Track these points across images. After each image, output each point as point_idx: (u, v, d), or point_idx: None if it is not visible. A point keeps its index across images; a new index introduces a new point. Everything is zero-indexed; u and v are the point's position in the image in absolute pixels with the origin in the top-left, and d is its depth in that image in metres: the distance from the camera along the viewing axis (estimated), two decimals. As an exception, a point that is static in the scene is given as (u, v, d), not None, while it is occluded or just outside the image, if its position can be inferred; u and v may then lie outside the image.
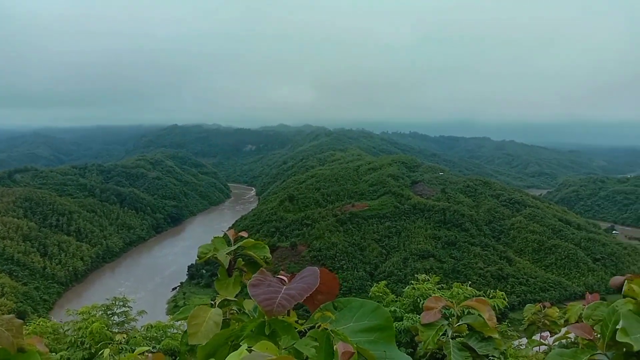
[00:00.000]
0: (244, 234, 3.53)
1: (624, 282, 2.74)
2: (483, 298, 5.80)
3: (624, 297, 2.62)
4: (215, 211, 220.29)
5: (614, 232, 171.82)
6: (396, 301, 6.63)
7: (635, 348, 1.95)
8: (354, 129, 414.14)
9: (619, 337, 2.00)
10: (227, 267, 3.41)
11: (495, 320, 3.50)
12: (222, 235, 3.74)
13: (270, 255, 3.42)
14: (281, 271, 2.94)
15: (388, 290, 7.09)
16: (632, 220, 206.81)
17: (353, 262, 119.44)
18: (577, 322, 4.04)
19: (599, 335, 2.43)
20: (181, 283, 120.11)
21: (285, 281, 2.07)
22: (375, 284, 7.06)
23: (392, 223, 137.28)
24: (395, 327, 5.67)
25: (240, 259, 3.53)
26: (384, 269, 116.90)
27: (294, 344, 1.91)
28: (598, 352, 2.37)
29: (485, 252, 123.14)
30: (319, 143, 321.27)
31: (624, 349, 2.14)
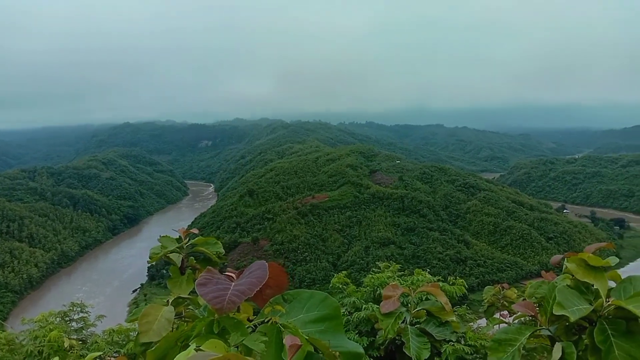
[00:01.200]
0: (195, 231, 3.43)
1: (563, 259, 2.79)
2: (436, 282, 5.90)
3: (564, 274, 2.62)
4: (172, 210, 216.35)
5: (564, 211, 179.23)
6: (357, 291, 6.64)
7: (572, 319, 2.06)
8: (312, 121, 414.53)
9: (555, 311, 2.12)
10: (179, 265, 3.31)
11: (450, 305, 3.54)
12: (176, 235, 3.64)
13: (223, 251, 3.34)
14: (228, 268, 2.86)
15: (348, 280, 7.08)
16: (581, 199, 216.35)
17: (316, 254, 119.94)
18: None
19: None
20: (141, 285, 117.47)
21: (234, 277, 2.04)
22: (335, 275, 7.04)
23: (352, 213, 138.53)
24: (356, 317, 5.68)
25: (193, 257, 3.43)
26: (346, 259, 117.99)
27: (243, 340, 1.90)
28: (541, 327, 2.49)
29: (444, 236, 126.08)
30: (276, 136, 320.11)
31: (566, 323, 2.25)
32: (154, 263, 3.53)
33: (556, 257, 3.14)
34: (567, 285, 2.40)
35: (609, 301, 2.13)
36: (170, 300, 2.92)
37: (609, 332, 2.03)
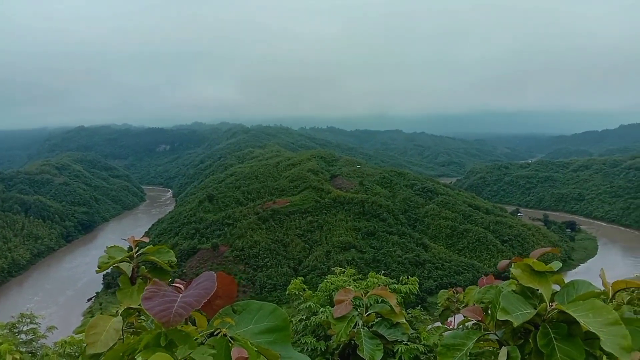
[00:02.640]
0: (146, 239, 3.38)
1: (510, 264, 2.93)
2: (385, 286, 6.01)
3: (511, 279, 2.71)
4: (129, 216, 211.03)
5: (518, 214, 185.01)
6: (313, 296, 6.69)
7: (515, 324, 2.11)
8: (272, 126, 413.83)
9: (499, 316, 2.18)
10: (129, 275, 3.25)
11: (400, 307, 3.63)
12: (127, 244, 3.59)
13: (175, 259, 3.31)
14: (177, 279, 2.84)
15: (305, 286, 7.13)
16: (535, 202, 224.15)
17: (277, 259, 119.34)
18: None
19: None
20: (97, 293, 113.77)
21: (181, 289, 2.03)
22: (292, 281, 7.07)
23: (313, 217, 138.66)
24: (313, 321, 5.73)
25: (144, 266, 3.38)
26: (307, 264, 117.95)
27: (191, 353, 1.87)
28: (489, 332, 2.57)
29: (403, 240, 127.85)
30: (236, 140, 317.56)
31: (512, 327, 2.30)
32: (108, 270, 3.45)
33: (503, 263, 3.28)
34: (513, 290, 2.46)
35: (552, 305, 2.19)
36: (120, 311, 2.88)
37: (552, 335, 2.09)
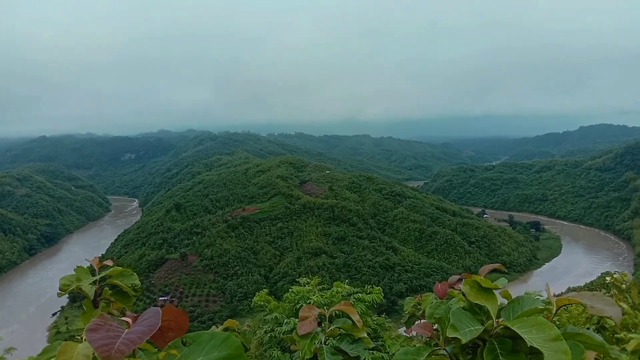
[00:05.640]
0: (109, 262, 3.39)
1: (460, 280, 3.08)
2: (350, 295, 6.12)
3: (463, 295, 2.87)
4: (94, 227, 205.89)
5: (484, 215, 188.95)
6: (278, 307, 6.75)
7: (463, 341, 2.15)
8: (240, 132, 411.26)
9: (449, 333, 2.22)
10: (92, 298, 3.27)
11: (362, 322, 3.73)
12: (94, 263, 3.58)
13: (139, 283, 3.32)
14: (127, 312, 2.86)
15: (270, 297, 7.18)
16: (500, 204, 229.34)
17: (247, 267, 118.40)
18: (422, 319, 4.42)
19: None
20: (62, 307, 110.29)
21: (129, 323, 2.01)
22: (257, 293, 7.11)
23: (284, 224, 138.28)
24: (278, 333, 5.79)
25: (108, 288, 3.40)
26: (278, 271, 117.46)
27: None
28: (439, 347, 2.59)
29: (373, 244, 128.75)
30: (204, 148, 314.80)
31: (461, 343, 2.30)
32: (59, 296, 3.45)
33: (453, 278, 3.42)
34: (462, 306, 2.50)
35: (498, 321, 2.24)
36: (84, 337, 2.89)
37: (498, 351, 2.14)
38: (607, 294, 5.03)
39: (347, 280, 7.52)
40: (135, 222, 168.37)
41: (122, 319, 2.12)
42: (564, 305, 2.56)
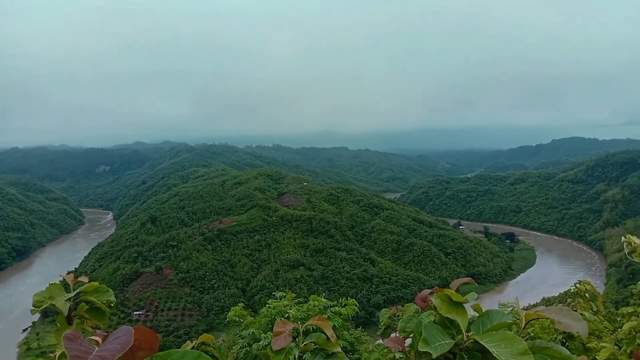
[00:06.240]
0: (84, 278, 3.39)
1: (431, 294, 3.17)
2: (326, 308, 6.17)
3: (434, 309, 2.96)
4: (67, 240, 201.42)
5: (460, 227, 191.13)
6: (254, 322, 6.75)
7: (434, 355, 2.18)
8: (217, 144, 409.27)
9: (421, 347, 2.24)
10: (66, 314, 3.26)
11: (335, 336, 3.77)
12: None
13: (114, 299, 3.33)
14: (97, 331, 2.87)
15: (246, 312, 7.17)
16: (475, 215, 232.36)
17: (224, 280, 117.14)
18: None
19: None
20: (33, 323, 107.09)
21: (99, 342, 2.01)
22: (232, 308, 7.09)
23: (261, 236, 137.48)
24: (255, 349, 5.79)
25: (84, 303, 3.39)
26: (255, 284, 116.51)
27: None
28: None
29: (351, 255, 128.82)
30: (180, 160, 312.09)
31: (432, 357, 2.33)
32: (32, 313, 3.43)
33: (424, 292, 3.51)
34: (433, 320, 2.53)
35: (468, 335, 2.27)
36: (57, 354, 2.89)
37: None
38: (572, 303, 5.21)
39: (325, 293, 7.59)
40: (110, 235, 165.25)
41: (91, 337, 2.11)
42: (533, 320, 2.62)
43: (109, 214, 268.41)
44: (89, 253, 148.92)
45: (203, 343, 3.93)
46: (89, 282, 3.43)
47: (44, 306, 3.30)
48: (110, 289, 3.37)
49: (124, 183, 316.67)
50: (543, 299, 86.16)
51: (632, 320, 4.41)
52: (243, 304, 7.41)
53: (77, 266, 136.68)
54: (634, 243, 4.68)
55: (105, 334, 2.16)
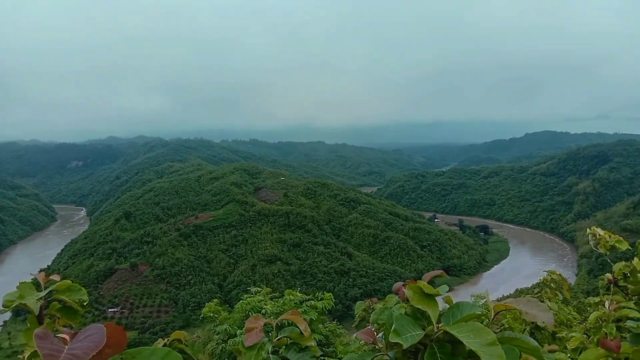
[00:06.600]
0: (56, 277, 3.36)
1: (404, 286, 3.25)
2: (301, 302, 6.23)
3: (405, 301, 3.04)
4: (39, 237, 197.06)
5: (435, 220, 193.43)
6: (229, 318, 6.75)
7: (405, 346, 2.21)
8: (193, 139, 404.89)
9: (391, 338, 2.26)
10: (37, 314, 3.22)
11: (309, 330, 3.82)
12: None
13: (86, 298, 3.30)
14: (65, 329, 2.87)
15: (220, 308, 7.17)
16: (450, 208, 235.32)
17: (200, 276, 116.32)
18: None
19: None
20: (4, 322, 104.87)
21: (67, 340, 1.95)
22: (206, 304, 7.08)
23: (238, 231, 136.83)
24: (230, 345, 5.81)
25: (56, 302, 3.36)
26: (232, 279, 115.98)
27: None
28: (382, 352, 2.60)
29: (328, 250, 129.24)
30: (155, 155, 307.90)
31: (403, 348, 2.36)
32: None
33: (397, 285, 3.59)
34: (405, 312, 2.57)
35: (439, 326, 2.31)
36: (26, 355, 2.87)
37: (438, 355, 2.22)
38: (539, 294, 5.37)
39: (302, 287, 7.67)
40: (83, 232, 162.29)
41: (58, 335, 2.07)
42: (501, 311, 2.67)
43: (82, 210, 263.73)
44: (62, 250, 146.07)
45: (176, 340, 3.93)
46: (62, 280, 3.40)
47: (14, 305, 3.26)
48: (83, 288, 3.34)
49: (98, 179, 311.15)
50: (516, 290, 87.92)
51: (598, 310, 4.57)
52: (218, 300, 7.41)
53: (49, 264, 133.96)
54: (599, 235, 4.84)
55: (73, 332, 2.11)
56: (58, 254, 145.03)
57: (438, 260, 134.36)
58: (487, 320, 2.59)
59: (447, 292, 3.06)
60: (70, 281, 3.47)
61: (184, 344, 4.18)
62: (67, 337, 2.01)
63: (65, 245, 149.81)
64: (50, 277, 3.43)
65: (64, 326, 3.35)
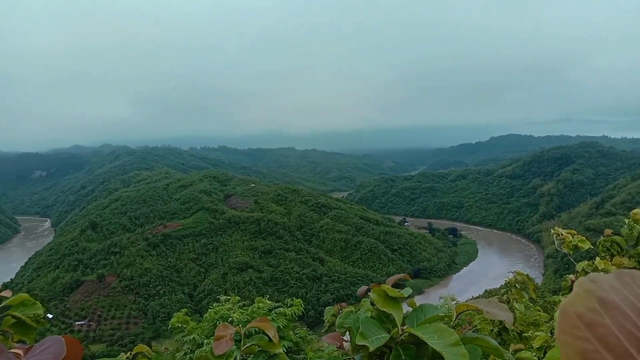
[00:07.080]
0: (7, 293, 3.22)
1: (368, 290, 3.24)
2: (271, 310, 6.17)
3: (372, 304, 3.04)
4: (1, 251, 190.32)
5: (405, 224, 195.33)
6: (197, 327, 6.64)
7: (371, 349, 2.24)
8: (160, 146, 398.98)
9: (358, 341, 2.30)
10: (-11, 330, 3.08)
11: (277, 337, 3.78)
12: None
13: (42, 312, 3.18)
14: (18, 344, 2.75)
15: (188, 318, 7.04)
16: (419, 212, 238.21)
17: (170, 286, 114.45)
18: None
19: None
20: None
21: (20, 355, 1.86)
22: (175, 314, 6.94)
23: (208, 240, 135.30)
24: (198, 355, 5.69)
25: (9, 317, 3.22)
26: (203, 288, 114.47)
27: None
28: (348, 356, 2.65)
29: (300, 256, 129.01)
30: (121, 163, 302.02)
31: (368, 350, 2.38)
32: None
33: (363, 289, 3.57)
34: (370, 315, 2.60)
35: (403, 329, 2.35)
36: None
37: (403, 357, 2.26)
38: (505, 294, 5.45)
39: (274, 294, 7.61)
40: (48, 244, 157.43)
41: (11, 350, 1.94)
42: (463, 312, 2.69)
43: (47, 221, 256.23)
44: (26, 263, 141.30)
45: (139, 354, 3.82)
46: (17, 295, 3.26)
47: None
48: (38, 302, 3.20)
49: (62, 189, 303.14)
50: (485, 291, 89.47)
51: (561, 309, 4.63)
52: (188, 310, 7.30)
53: (12, 277, 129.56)
54: (562, 235, 4.93)
55: (27, 346, 2.01)
56: (22, 266, 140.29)
57: (409, 264, 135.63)
58: (451, 321, 2.66)
59: (415, 294, 3.06)
60: (26, 294, 3.33)
61: (148, 357, 4.06)
62: (20, 352, 1.93)
63: (29, 258, 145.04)
64: (2, 294, 3.27)
65: (18, 342, 3.20)
